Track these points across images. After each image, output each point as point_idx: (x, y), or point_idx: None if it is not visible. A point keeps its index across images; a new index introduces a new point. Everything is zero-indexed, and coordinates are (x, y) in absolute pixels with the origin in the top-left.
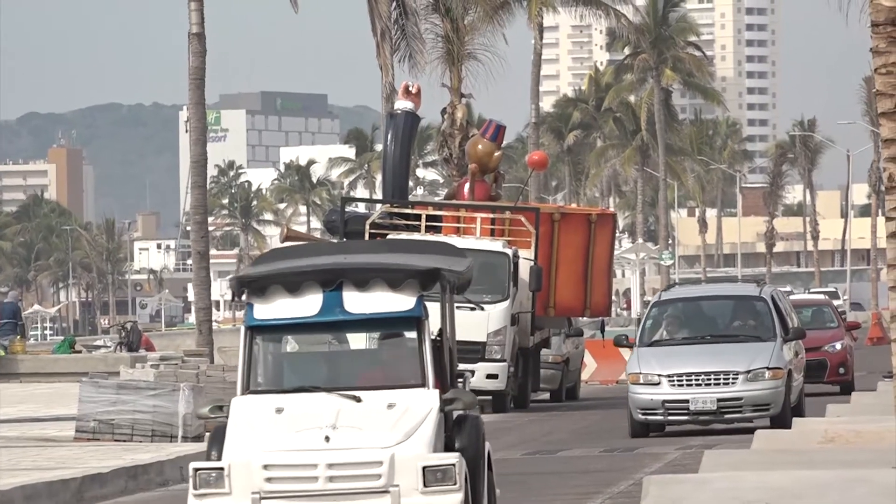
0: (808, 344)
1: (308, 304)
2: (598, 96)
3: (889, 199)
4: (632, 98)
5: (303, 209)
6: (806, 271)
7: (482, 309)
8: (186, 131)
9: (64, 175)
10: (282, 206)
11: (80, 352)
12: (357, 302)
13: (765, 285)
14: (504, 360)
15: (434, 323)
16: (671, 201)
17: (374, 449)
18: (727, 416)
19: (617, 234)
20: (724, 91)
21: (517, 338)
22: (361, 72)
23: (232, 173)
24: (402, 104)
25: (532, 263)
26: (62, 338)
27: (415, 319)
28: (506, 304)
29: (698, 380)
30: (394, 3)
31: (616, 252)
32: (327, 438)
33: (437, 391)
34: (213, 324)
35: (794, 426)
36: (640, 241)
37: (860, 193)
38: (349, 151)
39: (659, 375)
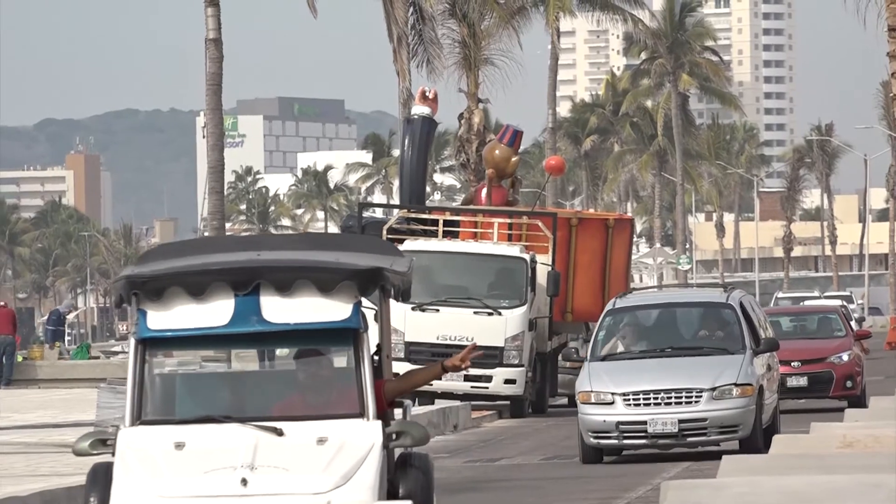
0: (812, 355)
1: (216, 312)
2: (615, 101)
3: None
4: (649, 103)
5: (320, 215)
6: (824, 276)
7: (500, 314)
8: (203, 137)
9: (82, 181)
10: (299, 211)
11: (97, 357)
12: (278, 309)
13: (733, 290)
14: (522, 365)
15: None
16: (688, 206)
17: (305, 496)
18: (690, 438)
19: (634, 239)
20: (741, 95)
21: (535, 343)
22: (378, 77)
23: (249, 179)
24: (419, 109)
25: (549, 268)
26: (80, 344)
27: (351, 332)
28: (523, 309)
29: (657, 398)
30: (410, 9)
31: (634, 257)
32: (244, 482)
33: (378, 423)
34: None
35: (813, 431)
36: (658, 245)
37: (878, 198)
38: (366, 157)
39: (612, 394)
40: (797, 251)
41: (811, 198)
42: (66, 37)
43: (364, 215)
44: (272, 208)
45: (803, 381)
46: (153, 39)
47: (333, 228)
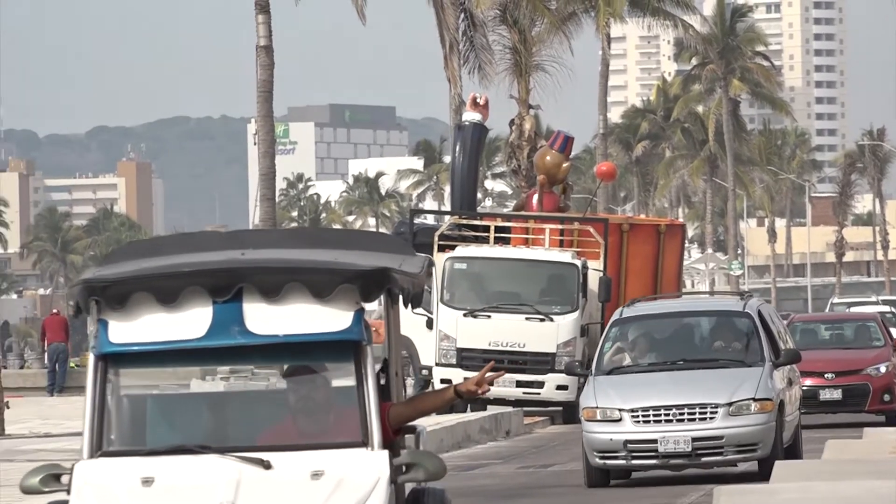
0: (848, 366)
1: (191, 322)
2: (666, 107)
3: None
4: (700, 108)
5: (371, 221)
6: (876, 281)
7: (552, 320)
8: (255, 144)
9: (133, 188)
10: (350, 218)
11: None
12: (264, 318)
13: (750, 298)
14: None
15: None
16: (740, 211)
17: None
18: (705, 458)
19: (686, 245)
20: (793, 101)
21: (587, 349)
22: (430, 83)
23: (301, 186)
24: (471, 116)
25: (601, 274)
26: None
27: (352, 345)
28: (575, 314)
29: (668, 415)
30: (462, 15)
31: (685, 262)
32: None
33: (385, 453)
34: None
35: (865, 437)
36: (710, 251)
37: None
38: (417, 163)
39: (620, 410)
40: (849, 256)
41: (863, 203)
42: (118, 45)
43: (416, 222)
44: (323, 215)
45: (837, 395)
46: (204, 46)
47: None
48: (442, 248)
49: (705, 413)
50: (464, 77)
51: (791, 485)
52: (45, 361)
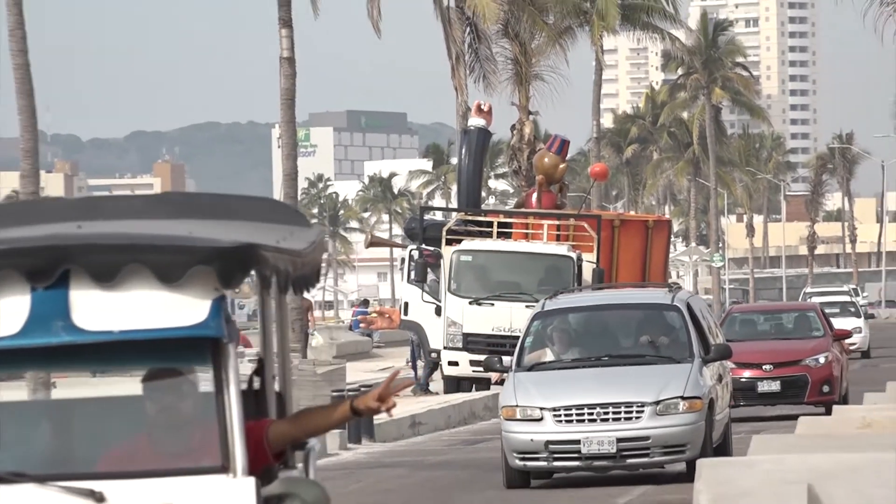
0: (787, 357)
1: (3, 315)
2: (654, 113)
3: None
4: (685, 114)
5: (385, 217)
6: (845, 272)
7: None
8: (279, 147)
9: (168, 188)
10: (366, 214)
11: None
12: (96, 310)
13: (678, 290)
14: None
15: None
16: (721, 208)
17: None
18: (630, 459)
19: (672, 239)
20: (769, 108)
21: None
22: (438, 91)
23: (320, 185)
24: (475, 121)
25: (595, 266)
26: None
27: (209, 343)
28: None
29: (592, 414)
30: (467, 29)
31: (671, 255)
32: None
33: (251, 481)
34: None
35: (835, 413)
36: (693, 244)
37: (894, 200)
38: (427, 164)
39: (541, 409)
40: (820, 249)
41: (833, 200)
42: (153, 55)
43: (425, 218)
44: (341, 212)
45: (776, 386)
46: (234, 57)
47: (398, 230)
48: (449, 242)
49: (631, 412)
50: (469, 86)
51: (766, 457)
52: None
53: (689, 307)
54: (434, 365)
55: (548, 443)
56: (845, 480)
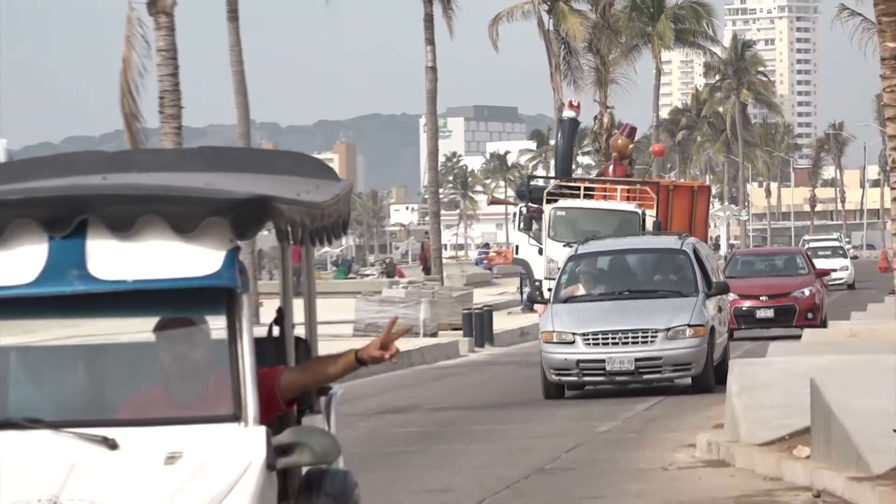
0: (779, 290)
1: (19, 265)
2: (697, 108)
3: (892, 175)
4: (720, 108)
5: (501, 184)
6: (836, 224)
7: None
8: (424, 132)
9: (343, 162)
10: (487, 181)
11: (353, 278)
12: (112, 260)
13: (686, 238)
14: None
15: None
16: (746, 177)
17: None
18: (646, 376)
19: (710, 200)
20: (782, 104)
21: None
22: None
23: (454, 160)
24: (568, 113)
25: (654, 219)
26: (339, 267)
27: (223, 293)
28: None
29: (615, 338)
30: (562, 46)
31: (710, 211)
32: None
33: (262, 430)
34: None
35: (830, 326)
36: (726, 203)
37: (873, 172)
38: (532, 145)
39: (573, 334)
40: (819, 207)
41: (828, 172)
42: (333, 57)
43: (531, 184)
44: (469, 180)
45: (770, 313)
46: (390, 62)
47: (510, 193)
48: (549, 201)
49: (647, 337)
50: (563, 87)
51: (780, 358)
52: None
53: (695, 251)
54: (538, 291)
55: (578, 361)
56: (838, 375)
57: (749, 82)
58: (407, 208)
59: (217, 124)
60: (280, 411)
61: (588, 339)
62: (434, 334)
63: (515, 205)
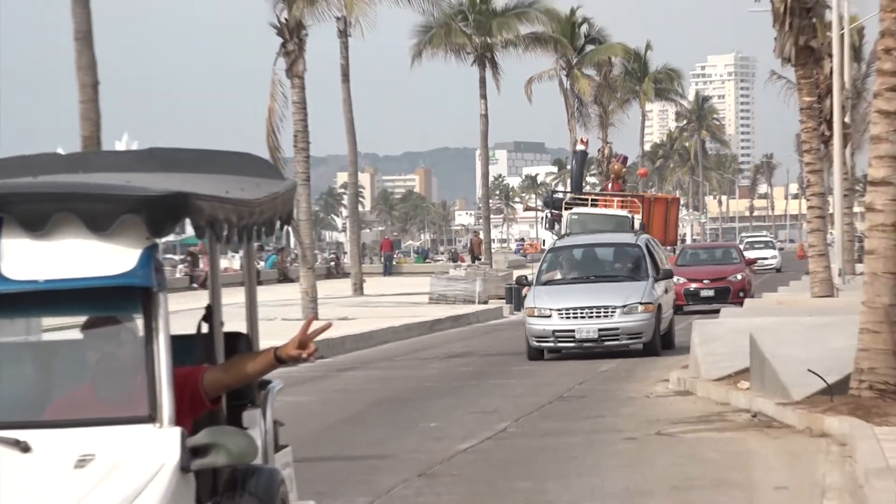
0: (718, 275)
1: None
2: (671, 143)
3: (808, 190)
4: (687, 144)
5: (533, 196)
6: (768, 225)
7: None
8: (479, 160)
9: (423, 182)
10: (523, 195)
11: (429, 262)
12: (26, 259)
13: (641, 234)
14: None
15: None
16: (705, 192)
17: None
18: (606, 343)
19: (679, 207)
20: (730, 141)
21: None
22: (561, 131)
23: (500, 180)
24: (580, 147)
25: (640, 221)
26: (419, 254)
27: (139, 292)
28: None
29: (583, 313)
30: (576, 99)
31: (679, 216)
32: None
33: (176, 431)
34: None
35: (763, 297)
36: (691, 210)
37: (794, 188)
38: (554, 169)
39: (550, 309)
40: (756, 213)
41: (762, 188)
42: (413, 103)
43: (554, 196)
44: (510, 193)
45: (711, 293)
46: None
47: (539, 203)
48: (566, 208)
49: (608, 312)
50: (577, 128)
51: (728, 319)
52: None
53: (647, 245)
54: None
55: (554, 331)
56: (769, 331)
57: (707, 125)
58: (467, 213)
59: (333, 154)
60: (205, 410)
61: (562, 314)
62: (485, 302)
63: (543, 211)
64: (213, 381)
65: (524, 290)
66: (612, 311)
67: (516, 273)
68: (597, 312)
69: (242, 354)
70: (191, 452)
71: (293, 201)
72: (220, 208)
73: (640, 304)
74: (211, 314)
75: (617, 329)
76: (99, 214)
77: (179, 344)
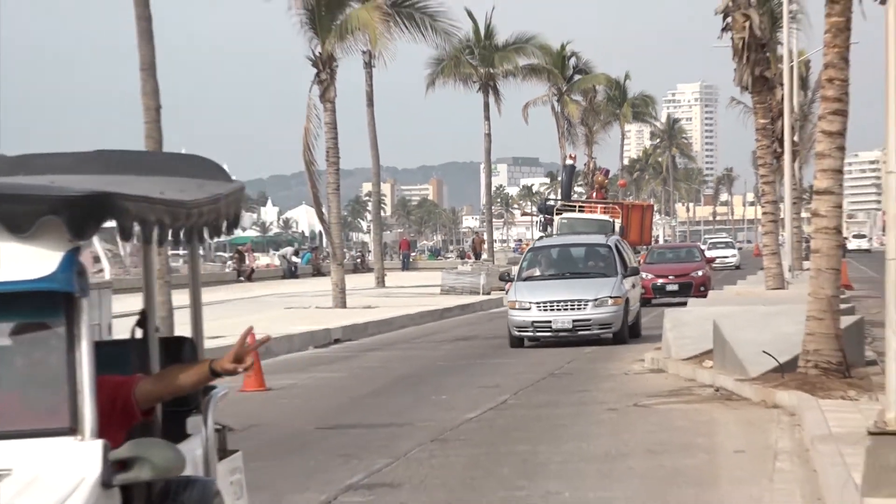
0: (681, 272)
1: None
2: (646, 158)
3: (762, 199)
4: (660, 159)
5: (529, 203)
6: (728, 228)
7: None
8: (483, 172)
9: (435, 191)
10: (521, 202)
11: (440, 259)
12: None
13: (611, 236)
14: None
15: None
16: (675, 200)
17: None
18: (580, 332)
19: (653, 213)
20: (696, 156)
21: None
22: (553, 147)
23: (501, 189)
24: (569, 161)
25: (620, 224)
26: (431, 253)
27: (60, 297)
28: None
29: (559, 306)
30: (565, 121)
31: (653, 220)
32: None
33: (98, 444)
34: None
35: (724, 290)
36: (663, 215)
37: (750, 197)
38: (547, 180)
39: (530, 302)
40: (718, 218)
41: (724, 197)
42: (429, 123)
43: (547, 203)
44: (510, 201)
45: (676, 287)
46: (463, 128)
47: (534, 209)
48: (557, 213)
49: (581, 305)
50: (566, 145)
51: (695, 308)
52: None
53: (616, 245)
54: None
55: (533, 322)
56: (730, 318)
57: (676, 143)
58: (472, 218)
59: (360, 167)
60: (137, 421)
61: (540, 306)
62: (488, 293)
63: (537, 216)
64: (146, 393)
65: (507, 286)
66: (584, 304)
67: (514, 268)
68: (571, 305)
69: (179, 365)
70: (115, 466)
71: (240, 203)
72: (149, 209)
73: (610, 297)
74: (146, 319)
75: (589, 320)
76: (18, 216)
77: (114, 350)
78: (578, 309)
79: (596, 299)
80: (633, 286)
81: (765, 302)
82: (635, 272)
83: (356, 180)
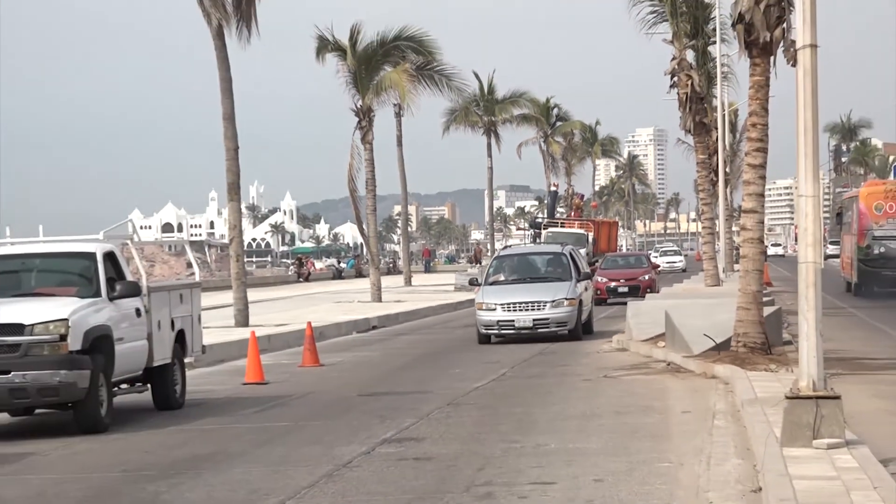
0: (629, 276)
1: None
2: (612, 185)
3: (702, 216)
4: (623, 186)
5: (523, 220)
6: (676, 239)
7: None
8: (486, 197)
9: (450, 212)
10: (516, 219)
11: (455, 263)
12: None
13: (566, 246)
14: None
15: None
16: (635, 217)
17: None
18: (539, 330)
19: (619, 228)
20: (651, 184)
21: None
22: (540, 177)
23: (500, 210)
24: (553, 188)
25: (593, 237)
26: (447, 258)
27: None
28: (584, 250)
29: (521, 306)
30: (550, 157)
31: (619, 234)
32: None
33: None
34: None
35: (674, 287)
36: (625, 230)
37: (692, 215)
38: (536, 203)
39: (495, 304)
40: (668, 232)
41: (673, 215)
42: (444, 156)
43: (536, 220)
44: (507, 219)
45: (626, 290)
46: (470, 163)
47: (526, 225)
48: (544, 228)
49: (540, 305)
50: (551, 175)
51: (651, 301)
52: None
53: (571, 253)
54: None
55: (498, 321)
56: (678, 308)
57: (635, 174)
58: (479, 232)
59: (391, 193)
60: None
61: (504, 307)
62: None
63: (528, 230)
64: None
65: (475, 290)
66: (543, 305)
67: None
68: (531, 306)
69: None
70: None
71: None
72: None
73: (566, 299)
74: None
75: (547, 319)
76: None
77: None
78: (538, 309)
79: (553, 300)
80: (586, 289)
81: (705, 296)
82: (588, 277)
83: (389, 203)
